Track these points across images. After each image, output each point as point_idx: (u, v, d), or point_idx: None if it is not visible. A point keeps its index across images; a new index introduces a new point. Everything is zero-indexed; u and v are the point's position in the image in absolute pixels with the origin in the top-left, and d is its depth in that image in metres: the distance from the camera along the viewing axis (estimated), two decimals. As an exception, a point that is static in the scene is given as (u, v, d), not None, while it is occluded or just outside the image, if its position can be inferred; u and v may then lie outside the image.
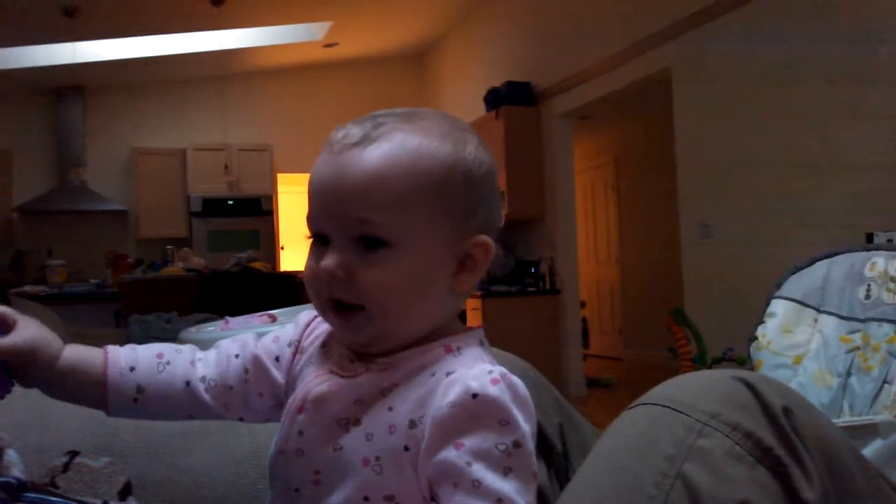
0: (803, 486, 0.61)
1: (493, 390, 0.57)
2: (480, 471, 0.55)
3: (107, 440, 0.90)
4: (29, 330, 0.66)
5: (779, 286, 1.39)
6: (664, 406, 0.66)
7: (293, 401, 0.68)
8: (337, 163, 0.63)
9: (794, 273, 1.39)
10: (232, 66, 6.90)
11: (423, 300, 0.64)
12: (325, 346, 0.71)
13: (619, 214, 7.06)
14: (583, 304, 5.53)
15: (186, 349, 0.75)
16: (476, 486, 0.54)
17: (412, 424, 0.59)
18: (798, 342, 1.25)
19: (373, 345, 0.65)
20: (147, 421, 0.80)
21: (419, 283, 0.63)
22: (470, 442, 0.56)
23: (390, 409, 0.61)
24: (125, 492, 0.84)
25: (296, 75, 7.08)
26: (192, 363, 0.73)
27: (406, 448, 0.59)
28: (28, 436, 0.84)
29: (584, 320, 5.64)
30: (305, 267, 0.66)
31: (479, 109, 5.77)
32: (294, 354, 0.73)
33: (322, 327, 0.72)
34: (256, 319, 1.43)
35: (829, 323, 1.22)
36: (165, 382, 0.71)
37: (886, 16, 2.74)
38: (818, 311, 1.25)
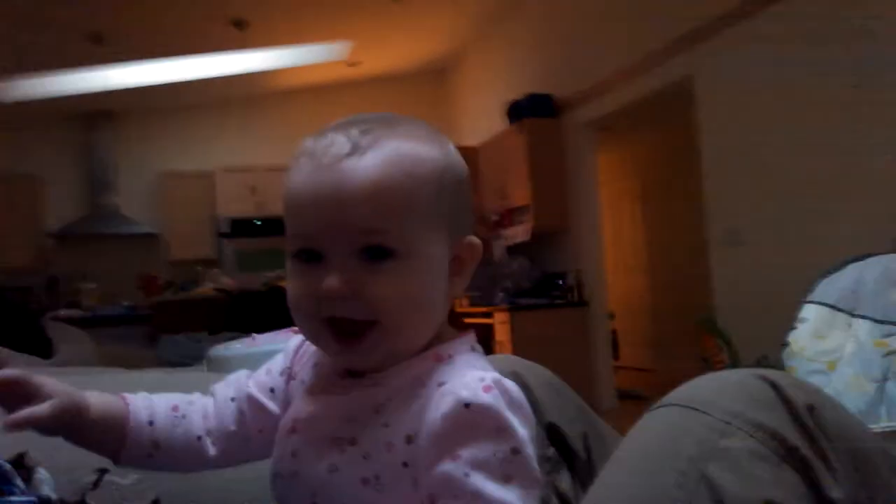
0: (830, 484, 0.60)
1: (486, 398, 0.56)
2: (480, 481, 0.53)
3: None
4: (57, 391, 0.64)
5: (810, 291, 1.36)
6: (686, 407, 0.65)
7: (285, 422, 0.67)
8: (331, 174, 0.60)
9: (825, 277, 1.36)
10: (257, 87, 6.99)
11: (431, 309, 0.63)
12: (316, 366, 0.70)
13: (646, 224, 7.00)
14: (611, 316, 5.48)
15: (198, 399, 0.74)
16: (476, 497, 0.53)
17: (409, 440, 0.58)
18: (832, 347, 1.23)
19: (380, 363, 0.63)
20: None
21: (428, 291, 0.62)
22: (467, 452, 0.54)
23: (385, 425, 0.60)
24: (154, 509, 0.84)
25: (319, 95, 7.16)
26: (204, 416, 0.73)
27: (405, 464, 0.58)
28: (57, 455, 0.85)
29: (614, 332, 5.58)
30: (292, 288, 0.63)
31: (501, 123, 5.77)
32: (287, 382, 0.72)
33: (312, 348, 0.71)
34: (282, 335, 1.44)
35: (863, 327, 1.19)
36: (181, 437, 0.71)
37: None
38: (851, 315, 1.22)
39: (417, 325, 0.63)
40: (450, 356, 0.63)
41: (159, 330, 4.14)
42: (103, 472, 0.86)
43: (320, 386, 0.68)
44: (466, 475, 0.54)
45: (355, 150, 0.61)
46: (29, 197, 6.70)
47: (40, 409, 0.62)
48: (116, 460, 0.70)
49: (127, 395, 0.72)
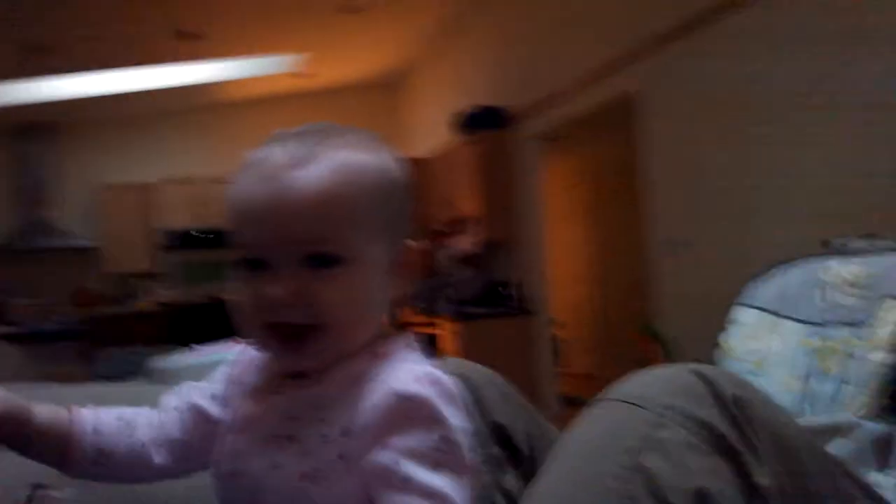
0: (756, 471, 0.63)
1: (417, 388, 0.58)
2: (411, 468, 0.55)
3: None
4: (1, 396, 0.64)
5: (741, 295, 1.42)
6: (623, 401, 0.67)
7: (227, 423, 0.68)
8: (276, 184, 0.61)
9: (755, 281, 1.42)
10: (204, 98, 6.88)
11: (374, 311, 0.65)
12: (259, 369, 0.71)
13: (594, 234, 7.12)
14: (560, 324, 5.55)
15: (145, 411, 0.74)
16: (406, 483, 0.55)
17: (345, 432, 0.59)
18: (760, 348, 1.28)
19: (321, 364, 0.64)
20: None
21: (372, 294, 0.64)
22: (398, 441, 0.56)
23: (322, 420, 0.61)
24: (90, 522, 0.82)
25: (268, 106, 7.08)
26: (149, 426, 0.73)
27: (341, 457, 0.59)
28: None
29: (556, 338, 5.65)
30: (239, 296, 0.64)
31: (452, 134, 5.82)
32: (230, 388, 0.73)
33: (255, 354, 0.72)
34: (224, 346, 1.42)
35: (789, 328, 1.25)
36: (126, 447, 0.71)
37: (855, 33, 2.82)
38: (778, 316, 1.28)
39: (360, 327, 0.64)
40: (386, 353, 0.65)
41: (95, 345, 4.03)
42: (37, 486, 0.84)
43: (262, 387, 0.68)
44: (398, 463, 0.55)
45: (296, 161, 0.62)
46: (-41, 210, 6.45)
47: None
48: (63, 469, 0.70)
49: (72, 406, 0.71)
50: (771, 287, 1.33)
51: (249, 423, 0.66)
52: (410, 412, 0.57)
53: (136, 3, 4.80)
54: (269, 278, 0.61)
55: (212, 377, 0.75)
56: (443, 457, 0.56)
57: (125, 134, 7.09)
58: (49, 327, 5.56)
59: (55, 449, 0.68)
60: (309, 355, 0.63)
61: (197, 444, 0.72)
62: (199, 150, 7.13)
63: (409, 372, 0.60)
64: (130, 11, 4.89)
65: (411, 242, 0.68)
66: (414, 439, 0.56)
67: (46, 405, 0.69)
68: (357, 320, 0.63)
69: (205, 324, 3.89)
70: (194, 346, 1.48)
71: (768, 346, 1.25)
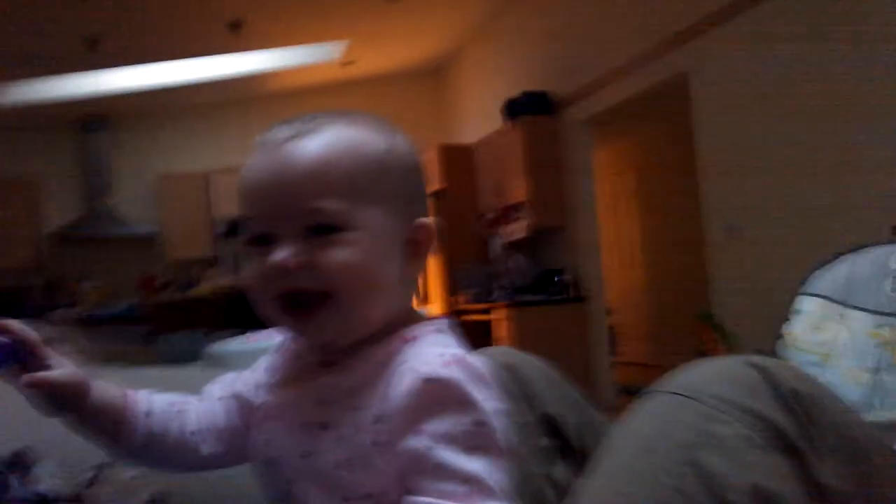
0: (819, 469, 0.61)
1: (445, 372, 0.57)
2: (443, 453, 0.54)
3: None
4: (64, 365, 0.66)
5: (804, 283, 1.37)
6: (676, 394, 0.65)
7: (260, 412, 0.69)
8: (276, 157, 0.63)
9: (820, 269, 1.37)
10: (253, 89, 6.99)
11: (383, 283, 0.64)
12: (294, 358, 0.71)
13: (644, 219, 7.01)
14: (610, 312, 5.49)
15: (194, 400, 0.75)
16: (441, 469, 0.54)
17: (377, 420, 0.59)
18: (826, 339, 1.23)
19: (336, 337, 0.64)
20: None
21: (377, 263, 0.63)
22: (429, 426, 0.55)
23: (355, 408, 0.61)
24: (151, 504, 0.85)
25: (315, 95, 7.15)
26: (198, 415, 0.74)
27: (375, 444, 0.59)
28: (57, 450, 0.85)
29: (613, 327, 5.58)
30: (247, 271, 0.64)
31: (498, 121, 5.78)
32: (272, 375, 0.73)
33: (291, 342, 0.73)
34: (277, 332, 1.44)
35: (856, 318, 1.20)
36: (176, 432, 0.72)
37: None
38: (845, 306, 1.23)
39: (368, 297, 0.63)
40: (415, 337, 0.64)
41: (158, 329, 4.15)
42: (102, 467, 0.86)
43: (298, 374, 0.69)
44: (430, 448, 0.55)
45: (299, 134, 0.63)
46: (28, 199, 6.71)
47: (54, 374, 0.64)
48: (113, 449, 0.71)
49: (129, 390, 0.73)
50: (837, 275, 1.28)
51: (283, 411, 0.66)
52: (441, 396, 0.56)
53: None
54: (275, 249, 0.62)
55: (256, 366, 0.76)
56: (476, 440, 0.55)
57: (182, 124, 7.26)
58: (112, 312, 5.75)
59: (108, 428, 0.69)
60: (316, 325, 0.63)
61: (242, 432, 0.72)
62: (250, 140, 7.17)
63: (437, 356, 0.59)
64: (182, 4, 4.99)
65: (426, 220, 0.67)
66: (446, 424, 0.55)
67: (104, 383, 0.70)
68: (362, 288, 0.62)
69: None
70: (251, 331, 1.51)
71: (834, 337, 1.21)
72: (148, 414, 0.71)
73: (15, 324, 0.64)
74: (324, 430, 0.62)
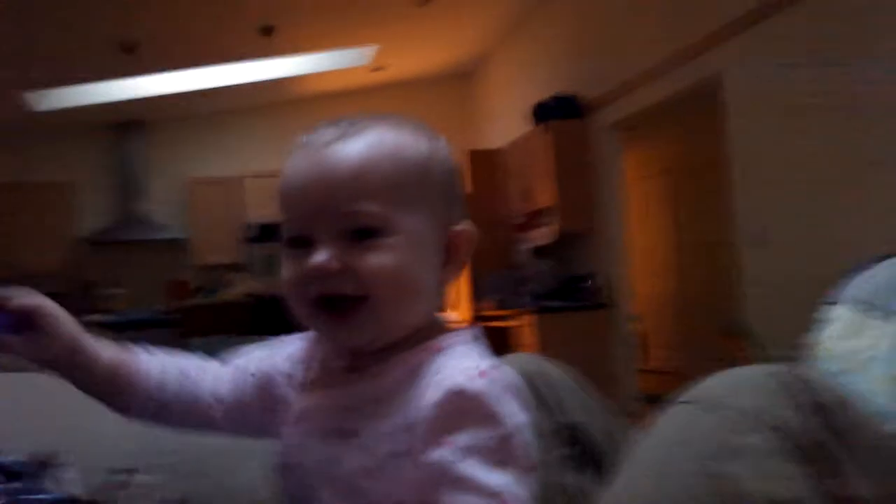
0: (841, 480, 0.60)
1: (478, 385, 0.57)
2: (471, 466, 0.54)
3: (157, 459, 0.92)
4: (63, 332, 0.67)
5: (840, 288, 1.34)
6: (700, 404, 0.65)
7: (290, 414, 0.69)
8: (317, 159, 0.63)
9: (855, 275, 1.33)
10: (284, 94, 7.06)
11: (421, 289, 0.64)
12: (323, 360, 0.71)
13: (673, 225, 6.93)
14: (638, 318, 5.43)
15: (210, 366, 0.77)
16: (464, 482, 0.54)
17: (408, 429, 0.59)
18: (858, 347, 1.20)
19: (370, 342, 0.64)
20: (195, 439, 0.82)
21: (416, 268, 0.63)
22: (458, 439, 0.55)
23: (385, 416, 0.61)
24: (176, 508, 0.86)
25: (345, 100, 7.21)
26: (214, 382, 0.75)
27: (405, 454, 0.58)
28: (83, 454, 0.87)
29: (639, 335, 5.53)
30: (285, 273, 0.65)
31: (527, 125, 5.77)
32: (303, 372, 0.73)
33: (320, 344, 0.73)
34: (303, 336, 1.44)
35: (888, 326, 1.17)
36: (187, 399, 0.73)
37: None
38: (875, 313, 1.20)
39: (405, 302, 0.63)
40: (447, 347, 0.64)
41: (188, 333, 4.20)
42: (129, 472, 0.87)
43: (324, 379, 0.69)
44: (454, 461, 0.54)
45: (340, 136, 0.63)
46: (62, 204, 6.84)
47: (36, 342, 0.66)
48: (123, 413, 0.72)
49: (139, 352, 0.74)
50: (867, 282, 1.25)
51: (311, 414, 0.67)
52: (468, 409, 0.56)
53: (221, 1, 4.96)
54: (313, 252, 0.62)
55: (289, 354, 0.76)
56: (501, 454, 0.55)
57: (212, 129, 7.36)
58: (141, 316, 5.83)
59: (117, 395, 0.71)
60: (353, 329, 0.62)
61: (260, 415, 0.73)
62: (281, 144, 7.28)
63: (466, 368, 0.58)
64: (215, 9, 5.06)
65: (464, 226, 0.66)
66: (471, 437, 0.55)
67: (116, 350, 0.72)
68: (401, 293, 0.62)
69: (288, 314, 3.99)
70: (277, 336, 1.52)
71: (865, 346, 1.18)
72: (158, 381, 0.72)
73: (15, 297, 0.65)
74: (349, 438, 0.62)
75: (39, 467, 0.78)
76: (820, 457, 0.60)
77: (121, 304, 6.55)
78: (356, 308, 0.62)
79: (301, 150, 0.65)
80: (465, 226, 0.66)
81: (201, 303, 5.30)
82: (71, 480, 0.81)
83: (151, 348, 0.76)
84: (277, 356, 0.76)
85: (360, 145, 0.62)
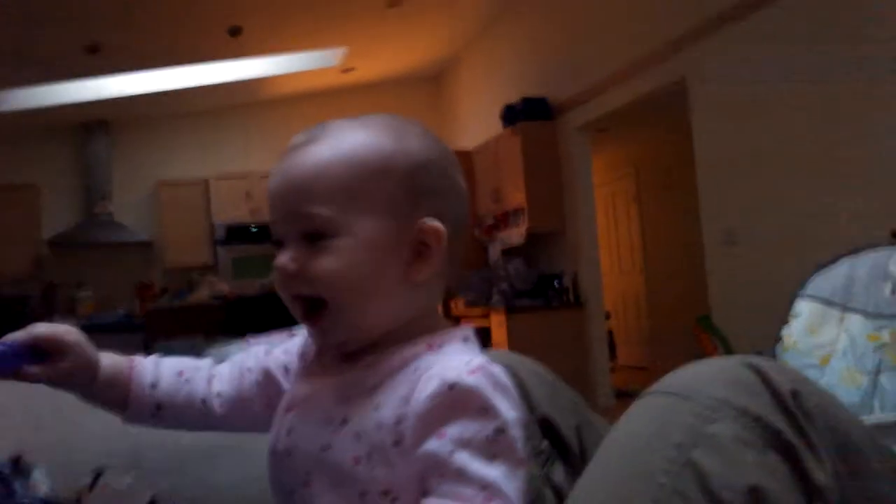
0: (814, 468, 0.61)
1: (471, 379, 0.58)
2: (464, 458, 0.55)
3: (133, 458, 0.91)
4: (76, 349, 0.70)
5: (803, 286, 1.37)
6: (672, 394, 0.66)
7: (283, 401, 0.70)
8: (284, 164, 0.65)
9: (818, 272, 1.37)
10: (251, 95, 7.00)
11: (377, 288, 0.64)
12: (318, 350, 0.72)
13: (642, 225, 7.02)
14: (608, 316, 5.49)
15: (205, 364, 0.78)
16: (461, 474, 0.55)
17: (398, 421, 0.60)
18: (824, 342, 1.23)
19: (345, 342, 0.66)
20: (173, 437, 0.82)
21: (367, 269, 0.64)
22: (451, 431, 0.56)
23: (377, 407, 0.62)
24: (150, 509, 0.84)
25: (314, 101, 7.16)
26: (209, 380, 0.77)
27: (395, 444, 0.59)
28: (55, 455, 0.85)
29: (610, 332, 5.59)
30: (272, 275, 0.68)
31: (497, 127, 5.79)
32: (301, 363, 0.75)
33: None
34: (277, 338, 1.43)
35: (855, 321, 1.20)
36: (183, 400, 0.75)
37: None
38: (844, 309, 1.23)
39: (358, 304, 0.64)
40: (440, 345, 0.65)
41: (155, 337, 4.14)
42: (99, 473, 0.86)
43: (318, 368, 0.70)
44: (451, 453, 0.55)
45: (307, 141, 0.66)
46: (25, 206, 6.69)
47: (57, 369, 0.68)
48: (124, 417, 0.74)
49: (136, 357, 0.76)
50: (836, 279, 1.29)
51: (304, 402, 0.67)
52: (465, 402, 0.57)
53: (188, 1, 4.90)
54: (281, 253, 0.65)
55: (286, 348, 0.77)
56: (495, 448, 0.56)
57: (180, 130, 7.26)
58: (110, 319, 5.73)
59: (116, 400, 0.73)
60: (322, 330, 0.65)
61: (259, 408, 0.75)
62: (251, 145, 7.24)
63: (462, 363, 0.59)
64: (183, 10, 5.00)
65: (433, 223, 0.65)
66: (467, 430, 0.56)
67: (113, 357, 0.74)
68: (354, 295, 0.63)
69: (260, 316, 3.96)
70: (250, 337, 1.51)
71: (833, 340, 1.21)
72: (154, 385, 0.74)
73: (36, 330, 0.69)
74: (343, 426, 0.62)
75: (19, 468, 0.77)
76: (794, 446, 0.61)
77: (87, 308, 6.43)
78: (320, 310, 0.64)
79: (283, 153, 0.68)
80: (432, 222, 0.65)
81: (168, 305, 5.22)
82: (39, 482, 0.80)
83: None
84: (276, 350, 0.78)
85: (319, 149, 0.64)
